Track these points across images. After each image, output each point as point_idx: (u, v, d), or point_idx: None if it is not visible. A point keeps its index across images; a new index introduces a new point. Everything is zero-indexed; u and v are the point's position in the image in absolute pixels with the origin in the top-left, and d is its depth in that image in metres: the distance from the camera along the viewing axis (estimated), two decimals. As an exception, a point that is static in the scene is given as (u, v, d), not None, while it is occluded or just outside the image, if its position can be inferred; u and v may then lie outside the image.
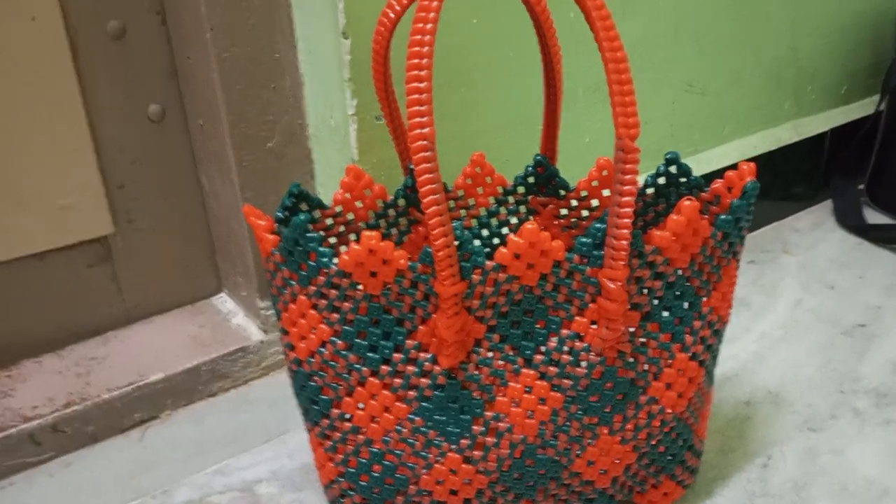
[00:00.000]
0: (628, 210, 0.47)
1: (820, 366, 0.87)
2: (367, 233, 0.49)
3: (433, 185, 0.45)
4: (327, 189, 0.78)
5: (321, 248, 0.50)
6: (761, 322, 0.95)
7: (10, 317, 0.75)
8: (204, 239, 0.85)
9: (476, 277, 0.50)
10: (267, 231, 0.53)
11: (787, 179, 1.21)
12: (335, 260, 0.50)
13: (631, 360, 0.54)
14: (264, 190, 0.76)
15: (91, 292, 0.79)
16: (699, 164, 1.06)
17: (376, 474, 0.57)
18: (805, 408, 0.80)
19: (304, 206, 0.60)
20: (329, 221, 0.62)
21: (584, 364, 0.53)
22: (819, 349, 0.90)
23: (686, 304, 0.54)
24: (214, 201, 0.81)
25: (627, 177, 0.47)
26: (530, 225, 0.49)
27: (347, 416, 0.55)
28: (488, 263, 0.50)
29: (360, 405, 0.54)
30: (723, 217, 0.53)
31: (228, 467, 0.74)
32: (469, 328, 0.51)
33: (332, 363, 0.53)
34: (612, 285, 0.50)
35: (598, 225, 0.49)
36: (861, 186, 1.26)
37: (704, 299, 0.55)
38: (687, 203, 0.50)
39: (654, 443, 0.59)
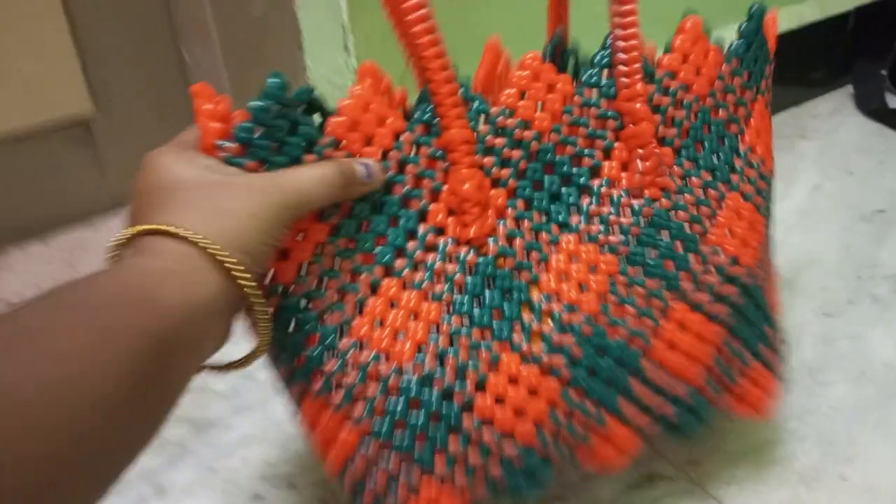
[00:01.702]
0: (631, 21, 0.44)
1: (838, 251, 0.84)
2: (356, 91, 0.41)
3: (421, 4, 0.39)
4: (317, 63, 0.72)
5: (304, 118, 0.40)
6: (778, 207, 0.92)
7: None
8: (187, 116, 0.80)
9: (484, 128, 0.43)
10: (215, 118, 0.38)
11: (807, 62, 1.15)
12: (321, 130, 0.40)
13: (678, 199, 0.47)
14: (248, 62, 0.71)
15: (74, 177, 0.75)
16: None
17: (416, 416, 0.41)
18: (821, 292, 0.77)
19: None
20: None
21: (628, 211, 0.46)
22: (837, 235, 0.87)
23: (718, 139, 0.49)
24: (196, 75, 0.76)
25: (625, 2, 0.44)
26: (531, 56, 0.44)
27: (362, 342, 0.41)
28: (494, 109, 0.43)
29: (378, 321, 0.41)
30: (735, 42, 0.50)
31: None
32: (488, 191, 0.43)
33: (333, 272, 0.41)
34: (635, 105, 0.45)
35: (601, 52, 0.45)
36: (884, 72, 1.20)
37: (738, 136, 0.50)
38: (690, 23, 0.47)
39: (730, 311, 0.49)
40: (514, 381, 0.42)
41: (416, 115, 0.42)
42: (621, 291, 0.45)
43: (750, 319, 0.50)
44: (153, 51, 0.75)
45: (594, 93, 0.45)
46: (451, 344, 0.41)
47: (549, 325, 0.43)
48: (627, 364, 0.45)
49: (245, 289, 0.33)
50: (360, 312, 0.41)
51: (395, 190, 0.42)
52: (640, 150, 0.45)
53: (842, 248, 0.84)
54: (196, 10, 0.70)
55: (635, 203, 0.46)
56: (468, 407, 0.41)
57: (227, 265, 0.32)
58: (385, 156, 0.41)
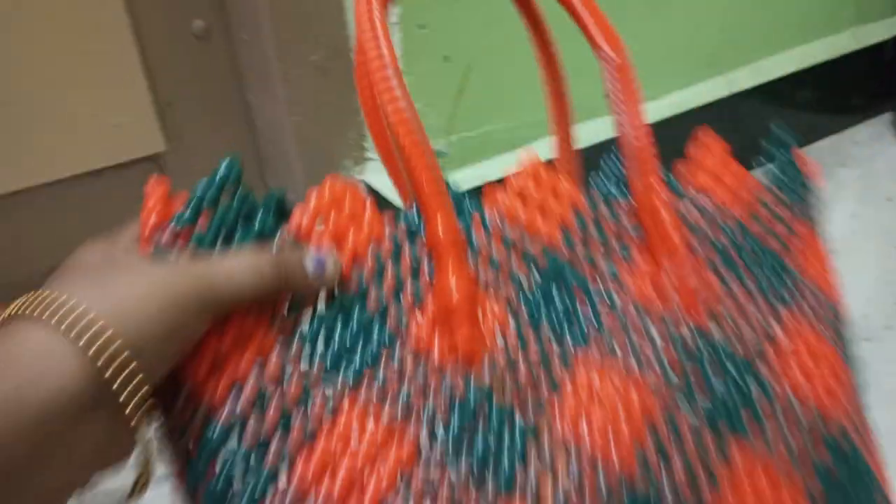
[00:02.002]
0: (639, 116, 0.38)
1: (875, 278, 0.85)
2: (330, 181, 0.34)
3: (398, 86, 0.33)
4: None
5: (261, 208, 0.33)
6: (815, 235, 0.93)
7: (70, 233, 0.78)
8: (251, 156, 0.85)
9: (479, 234, 0.35)
10: (156, 210, 0.32)
11: (846, 90, 1.17)
12: (280, 226, 0.33)
13: (729, 326, 0.37)
14: (310, 106, 0.76)
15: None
16: (754, 75, 1.03)
17: None
18: (860, 319, 0.79)
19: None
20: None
21: (669, 343, 0.35)
22: (874, 261, 0.88)
23: (764, 262, 0.40)
24: (261, 118, 0.81)
25: (630, 86, 0.38)
26: (528, 157, 0.38)
27: (305, 492, 0.29)
28: (489, 211, 0.36)
29: (328, 467, 0.30)
30: (770, 167, 0.44)
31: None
32: (481, 303, 0.34)
33: (274, 391, 0.30)
34: (657, 209, 0.37)
35: (609, 155, 0.39)
36: (924, 98, 1.21)
37: (786, 259, 0.41)
38: (703, 133, 0.42)
39: (822, 483, 0.36)
40: None
41: (398, 218, 0.35)
42: (666, 444, 0.33)
43: (850, 495, 0.37)
44: (220, 95, 0.81)
45: (605, 200, 0.39)
46: (425, 497, 0.30)
47: (562, 465, 0.32)
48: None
49: (114, 385, 0.26)
50: (308, 447, 0.30)
51: (370, 300, 0.33)
52: (670, 262, 0.37)
53: (880, 274, 0.86)
54: (260, 58, 0.75)
55: (673, 330, 0.36)
56: None
57: (92, 349, 0.25)
58: (359, 263, 0.33)
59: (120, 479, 0.29)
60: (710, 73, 1.01)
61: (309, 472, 0.29)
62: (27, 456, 0.24)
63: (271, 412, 0.30)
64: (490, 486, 0.30)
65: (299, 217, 0.33)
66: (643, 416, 0.33)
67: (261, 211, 0.33)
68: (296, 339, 0.31)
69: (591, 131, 0.88)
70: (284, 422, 0.30)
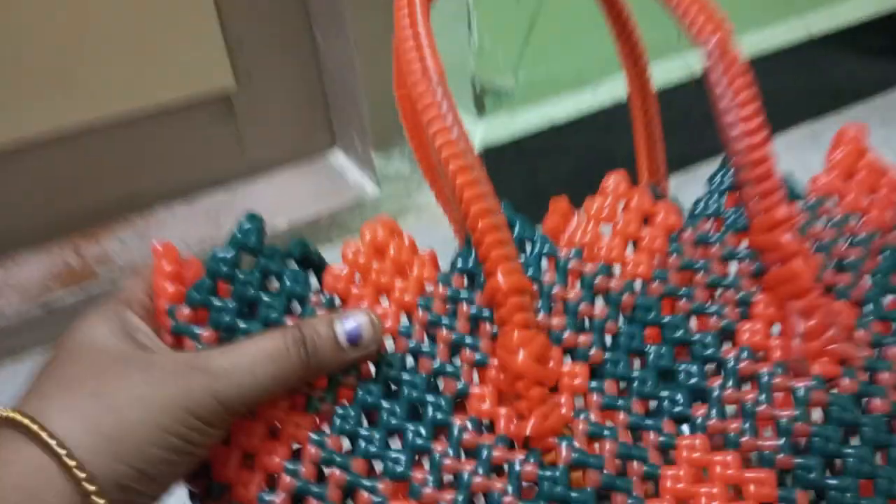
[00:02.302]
0: (758, 125, 0.29)
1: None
2: (370, 227, 0.30)
3: (447, 115, 0.27)
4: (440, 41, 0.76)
5: (287, 268, 0.29)
6: None
7: (144, 167, 0.80)
8: (319, 95, 0.86)
9: (549, 276, 0.29)
10: (172, 279, 0.28)
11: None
12: (312, 281, 0.30)
13: (869, 379, 0.28)
14: (379, 48, 0.76)
15: (217, 146, 0.83)
16: (831, 17, 0.98)
17: None
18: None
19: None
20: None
21: (788, 399, 0.27)
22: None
23: None
24: (328, 58, 0.81)
25: (740, 91, 0.28)
26: (615, 178, 0.32)
27: None
28: (563, 250, 0.30)
29: None
30: None
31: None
32: (556, 364, 0.28)
33: (315, 490, 0.27)
34: (781, 237, 0.28)
35: (719, 172, 0.32)
36: None
37: None
38: (851, 133, 0.34)
39: None
40: None
41: (453, 264, 0.30)
42: None
43: None
44: (290, 35, 0.81)
45: (713, 225, 0.31)
46: None
47: None
48: None
49: None
50: None
51: (422, 365, 0.28)
52: (797, 302, 0.28)
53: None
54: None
55: (799, 385, 0.27)
56: None
57: (86, 480, 0.23)
58: (408, 318, 0.29)
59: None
60: (786, 14, 0.97)
61: None
62: None
63: None
64: None
65: (334, 274, 0.29)
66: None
67: (288, 271, 0.29)
68: (337, 423, 0.27)
69: (664, 71, 0.86)
70: None
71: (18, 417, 0.24)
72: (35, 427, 0.23)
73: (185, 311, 0.28)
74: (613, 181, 0.32)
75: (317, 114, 0.87)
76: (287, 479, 0.26)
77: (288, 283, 0.28)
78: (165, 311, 0.28)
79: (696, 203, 0.32)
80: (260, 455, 0.27)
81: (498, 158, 0.79)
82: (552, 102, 0.83)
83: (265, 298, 0.28)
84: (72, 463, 0.23)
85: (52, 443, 0.23)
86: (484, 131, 0.79)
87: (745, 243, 0.31)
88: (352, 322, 0.27)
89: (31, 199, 0.76)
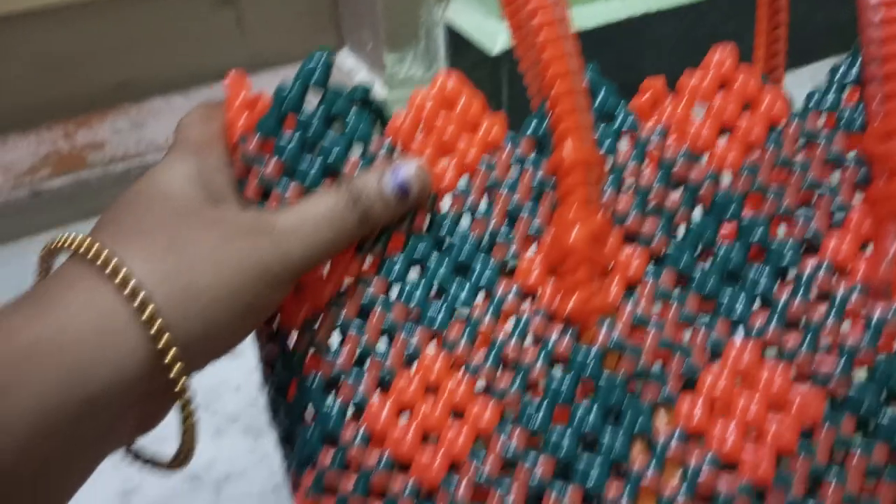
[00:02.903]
0: (892, 17, 0.26)
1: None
2: (442, 77, 0.29)
3: None
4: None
5: (353, 110, 0.28)
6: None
7: (139, 54, 0.76)
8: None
9: (625, 152, 0.28)
10: (245, 107, 0.29)
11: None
12: (373, 129, 0.29)
13: None
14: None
15: (216, 35, 0.78)
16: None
17: None
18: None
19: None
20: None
21: (860, 324, 0.25)
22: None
23: None
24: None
25: None
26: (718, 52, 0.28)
27: (373, 436, 0.26)
28: (646, 126, 0.28)
29: (404, 412, 0.27)
30: None
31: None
32: (614, 247, 0.27)
33: (356, 326, 0.27)
34: None
35: (844, 63, 0.28)
36: None
37: None
38: None
39: None
40: None
41: (523, 127, 0.28)
42: (821, 457, 0.24)
43: None
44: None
45: (825, 120, 0.28)
46: (503, 473, 0.25)
47: (673, 483, 0.24)
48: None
49: (171, 372, 0.23)
50: (383, 390, 0.27)
51: (475, 227, 0.28)
52: None
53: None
54: None
55: (876, 311, 0.25)
56: None
57: (158, 331, 0.23)
58: (468, 177, 0.28)
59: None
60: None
61: (379, 416, 0.26)
62: (90, 431, 0.22)
63: (346, 350, 0.27)
64: (579, 476, 0.24)
65: (398, 121, 0.28)
66: (800, 423, 0.24)
67: (352, 112, 0.28)
68: (383, 270, 0.27)
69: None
70: (358, 361, 0.27)
71: (100, 250, 0.23)
72: (115, 262, 0.23)
73: (255, 141, 0.28)
74: (719, 55, 0.28)
75: (324, 10, 0.83)
76: (330, 312, 0.27)
77: (351, 124, 0.28)
78: (236, 142, 0.28)
79: (810, 96, 0.28)
80: (307, 287, 0.27)
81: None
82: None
83: (328, 136, 0.28)
84: (149, 313, 0.22)
85: (132, 285, 0.22)
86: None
87: (855, 148, 0.27)
88: (401, 174, 0.27)
89: (22, 81, 0.73)
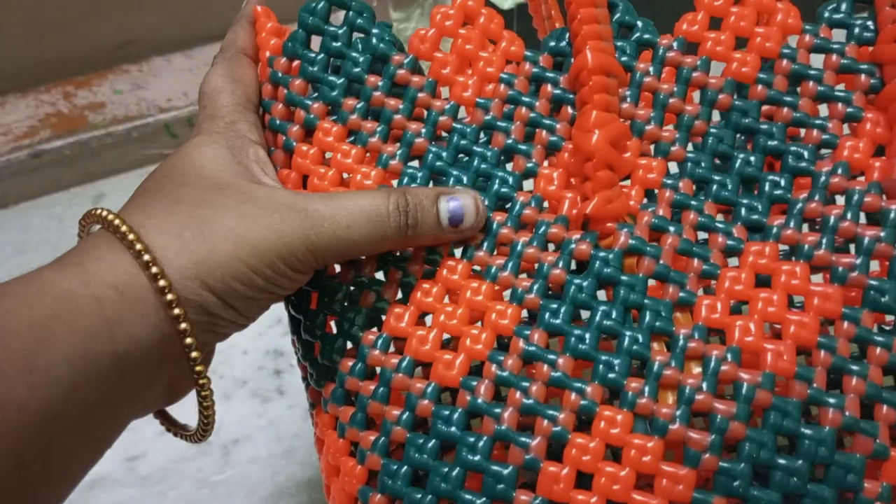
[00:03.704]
0: None
1: None
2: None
3: None
4: None
5: (374, 25, 0.29)
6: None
7: (140, 14, 0.75)
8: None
9: (644, 64, 0.28)
10: (273, 33, 0.30)
11: None
12: (394, 46, 0.29)
13: None
14: None
15: (218, -5, 0.77)
16: None
17: (446, 472, 0.24)
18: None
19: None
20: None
21: (871, 224, 0.25)
22: None
23: None
24: None
25: None
26: None
27: (394, 338, 0.27)
28: (664, 39, 0.28)
29: (424, 315, 0.27)
30: None
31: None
32: (633, 155, 0.27)
33: None
34: None
35: None
36: None
37: None
38: None
39: None
40: (614, 452, 0.25)
41: (544, 43, 0.29)
42: (841, 349, 0.24)
43: None
44: None
45: (836, 34, 0.28)
46: (523, 373, 0.25)
47: (694, 376, 0.24)
48: (835, 478, 0.23)
49: (184, 340, 0.24)
50: (403, 298, 0.27)
51: (495, 140, 0.28)
52: None
53: None
54: None
55: (891, 207, 0.25)
56: (529, 472, 0.24)
57: (170, 301, 0.23)
58: (486, 89, 0.29)
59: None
60: None
61: (400, 320, 0.26)
62: (111, 399, 0.23)
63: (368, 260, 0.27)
64: (600, 370, 0.24)
65: (420, 36, 0.29)
66: (818, 318, 0.24)
67: (375, 28, 0.29)
68: (405, 181, 0.28)
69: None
70: (378, 268, 0.27)
71: (119, 224, 0.24)
72: (132, 237, 0.24)
73: (282, 61, 0.29)
74: None
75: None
76: None
77: (374, 40, 0.29)
78: (266, 63, 0.29)
79: (822, 9, 0.28)
80: None
81: None
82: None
83: (352, 54, 0.29)
84: (162, 283, 0.23)
85: (146, 258, 0.23)
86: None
87: (866, 58, 0.28)
88: (457, 203, 0.26)
89: (21, 42, 0.72)
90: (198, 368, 0.25)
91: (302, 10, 0.29)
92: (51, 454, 0.22)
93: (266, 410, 0.45)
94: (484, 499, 0.24)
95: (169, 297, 0.23)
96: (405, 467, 0.25)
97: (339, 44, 0.29)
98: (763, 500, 0.23)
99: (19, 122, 0.70)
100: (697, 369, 0.24)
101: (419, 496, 0.24)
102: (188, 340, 0.24)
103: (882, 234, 0.24)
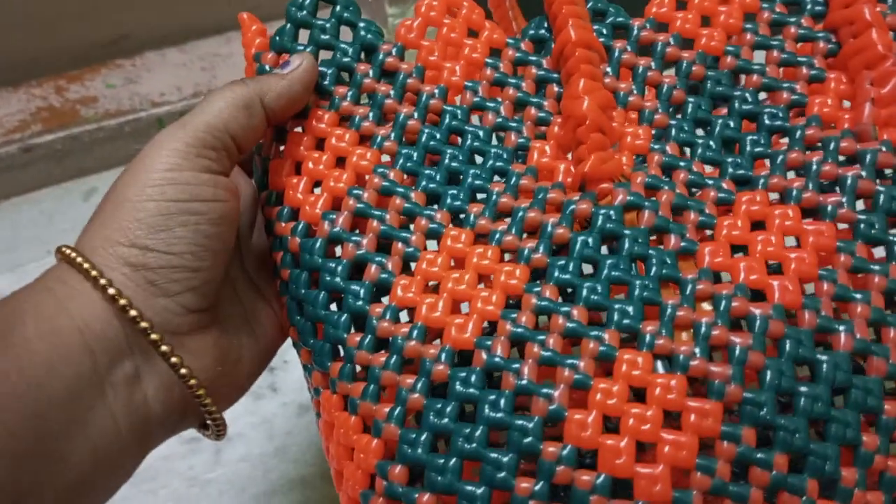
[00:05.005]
0: None
1: None
2: None
3: None
4: None
5: (361, 19, 0.31)
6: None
7: (132, 7, 0.74)
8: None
9: (619, 43, 0.30)
10: (259, 34, 0.31)
11: None
12: (381, 37, 0.31)
13: None
14: None
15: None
16: None
17: (468, 431, 0.24)
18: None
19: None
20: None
21: (850, 164, 0.27)
22: None
23: None
24: None
25: None
26: None
27: (403, 308, 0.26)
28: (636, 21, 0.30)
29: (431, 284, 0.27)
30: None
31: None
32: (620, 125, 0.29)
33: (377, 211, 0.28)
34: (860, 9, 0.29)
35: None
36: None
37: None
38: None
39: None
40: (637, 394, 0.24)
41: (524, 31, 0.31)
42: (842, 278, 0.25)
43: None
44: None
45: (791, 9, 0.31)
46: (538, 326, 0.25)
47: (707, 314, 0.24)
48: (856, 401, 0.24)
49: (132, 319, 0.25)
50: (408, 271, 0.27)
51: (486, 119, 0.29)
52: (870, 72, 0.28)
53: None
54: None
55: (866, 149, 0.27)
56: (553, 422, 0.24)
57: (102, 284, 0.24)
58: (476, 73, 0.30)
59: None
60: None
61: (407, 291, 0.26)
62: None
63: (369, 232, 0.28)
64: (615, 317, 0.24)
65: (406, 25, 0.31)
66: (817, 253, 0.25)
67: (361, 23, 0.31)
68: (400, 160, 0.29)
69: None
70: (381, 243, 0.28)
71: (68, 253, 0.25)
72: (81, 262, 0.25)
73: (270, 55, 0.30)
74: None
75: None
76: (350, 201, 0.28)
77: (362, 32, 0.30)
78: (252, 59, 0.31)
79: None
80: (326, 180, 0.28)
81: None
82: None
83: (341, 45, 0.30)
84: (122, 302, 0.24)
85: (102, 281, 0.24)
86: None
87: (822, 27, 0.31)
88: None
89: (14, 35, 0.71)
90: (172, 359, 0.25)
91: (290, 4, 0.30)
92: (40, 428, 0.22)
93: (258, 408, 0.45)
94: (511, 454, 0.23)
95: (102, 281, 0.24)
96: (425, 433, 0.24)
97: (327, 36, 0.30)
98: (790, 427, 0.23)
99: (10, 117, 0.69)
100: (709, 307, 0.24)
101: (441, 461, 0.24)
102: (131, 312, 0.24)
103: (863, 172, 0.26)
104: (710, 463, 0.23)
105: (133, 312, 0.24)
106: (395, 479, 0.24)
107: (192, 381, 0.26)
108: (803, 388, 0.23)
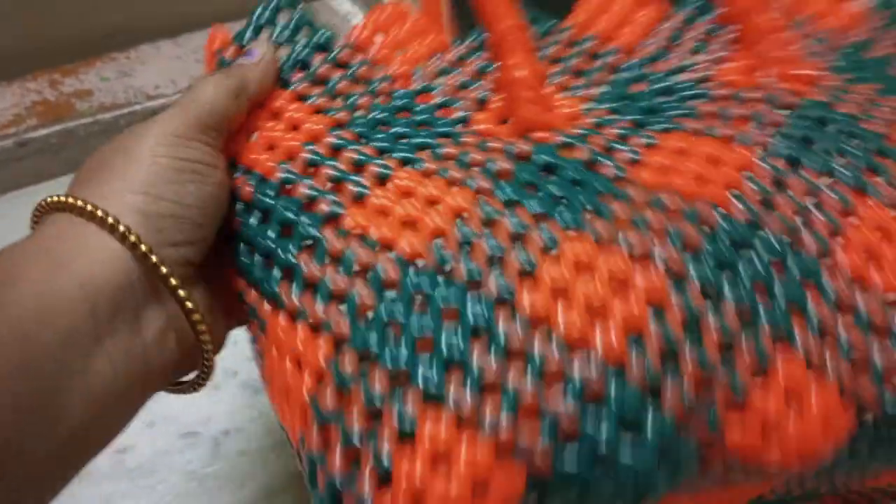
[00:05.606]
0: None
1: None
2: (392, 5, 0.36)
3: None
4: None
5: (314, 22, 0.35)
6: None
7: (127, 1, 0.74)
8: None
9: (544, 43, 0.35)
10: (221, 41, 0.35)
11: None
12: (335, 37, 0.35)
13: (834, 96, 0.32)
14: None
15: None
16: None
17: (420, 318, 0.25)
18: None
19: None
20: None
21: (765, 104, 0.31)
22: None
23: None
24: None
25: None
26: None
27: (353, 231, 0.28)
28: (560, 27, 0.35)
29: (382, 211, 0.28)
30: None
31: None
32: (552, 95, 0.32)
33: (330, 159, 0.30)
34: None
35: None
36: None
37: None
38: None
39: None
40: (582, 266, 0.25)
41: (464, 40, 0.35)
42: (765, 181, 0.28)
43: None
44: None
45: (691, 11, 0.36)
46: (485, 227, 0.26)
47: (648, 212, 0.26)
48: (801, 268, 0.25)
49: (149, 263, 0.26)
50: (359, 202, 0.28)
51: (429, 97, 0.33)
52: (764, 44, 0.33)
53: None
54: None
55: (775, 97, 0.31)
56: (504, 300, 0.24)
57: (110, 223, 0.25)
58: (421, 67, 0.34)
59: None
60: None
61: (357, 217, 0.28)
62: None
63: (319, 175, 0.30)
64: (555, 216, 0.27)
65: (359, 29, 0.35)
66: (739, 166, 0.28)
67: (318, 28, 0.34)
68: (352, 126, 0.32)
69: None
70: (332, 184, 0.29)
71: (73, 201, 0.26)
72: (91, 209, 0.25)
73: (231, 49, 0.33)
74: None
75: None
76: (304, 153, 0.30)
77: (318, 32, 0.34)
78: (213, 54, 0.34)
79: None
80: (280, 140, 0.31)
81: None
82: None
83: (298, 45, 0.34)
84: (132, 238, 0.25)
85: (110, 220, 0.25)
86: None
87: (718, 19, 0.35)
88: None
89: (7, 29, 0.71)
90: (180, 292, 0.27)
91: (252, 10, 0.34)
92: (32, 380, 0.22)
93: (257, 401, 0.45)
94: (462, 330, 0.24)
95: (109, 220, 0.25)
96: (376, 322, 0.25)
97: (287, 32, 0.34)
98: (735, 286, 0.25)
99: (4, 111, 0.69)
100: (649, 198, 0.27)
101: (393, 344, 0.24)
102: (142, 248, 0.25)
103: (784, 117, 0.30)
104: (663, 321, 0.25)
105: (144, 248, 0.25)
106: (345, 368, 0.24)
107: (197, 316, 0.27)
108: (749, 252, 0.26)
